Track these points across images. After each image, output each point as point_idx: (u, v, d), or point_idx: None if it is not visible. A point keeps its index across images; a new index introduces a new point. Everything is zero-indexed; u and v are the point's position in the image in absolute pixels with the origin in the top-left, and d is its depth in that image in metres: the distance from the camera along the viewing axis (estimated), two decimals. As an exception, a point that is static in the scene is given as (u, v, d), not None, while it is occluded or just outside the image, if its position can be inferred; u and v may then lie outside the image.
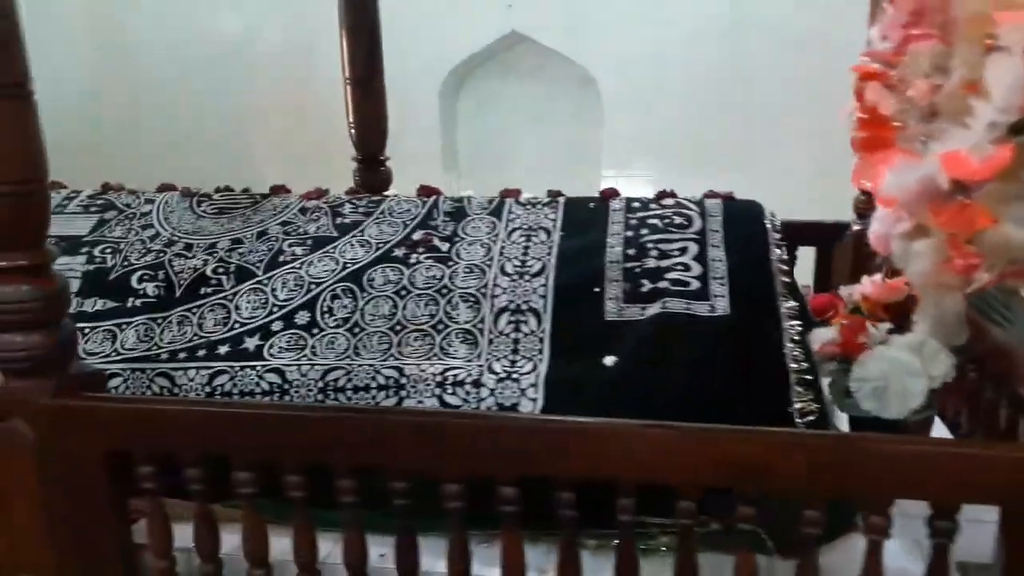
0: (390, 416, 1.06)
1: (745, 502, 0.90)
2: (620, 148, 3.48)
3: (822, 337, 1.32)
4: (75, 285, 1.41)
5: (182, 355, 1.33)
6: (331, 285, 1.38)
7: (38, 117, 1.01)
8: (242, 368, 1.30)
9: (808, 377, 1.20)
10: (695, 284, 1.29)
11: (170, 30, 3.49)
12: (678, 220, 1.40)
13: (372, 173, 2.11)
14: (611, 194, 1.50)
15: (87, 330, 1.35)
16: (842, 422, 1.31)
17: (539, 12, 3.39)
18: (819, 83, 3.08)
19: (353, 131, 2.08)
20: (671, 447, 0.89)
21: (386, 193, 1.59)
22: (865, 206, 1.98)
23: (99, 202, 1.62)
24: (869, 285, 1.68)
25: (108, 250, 1.50)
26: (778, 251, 1.37)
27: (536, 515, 1.01)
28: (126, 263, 1.47)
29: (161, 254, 1.48)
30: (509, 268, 1.38)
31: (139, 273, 1.44)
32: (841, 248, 2.01)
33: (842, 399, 1.28)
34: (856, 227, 1.99)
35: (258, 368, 1.30)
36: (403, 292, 1.36)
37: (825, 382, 1.29)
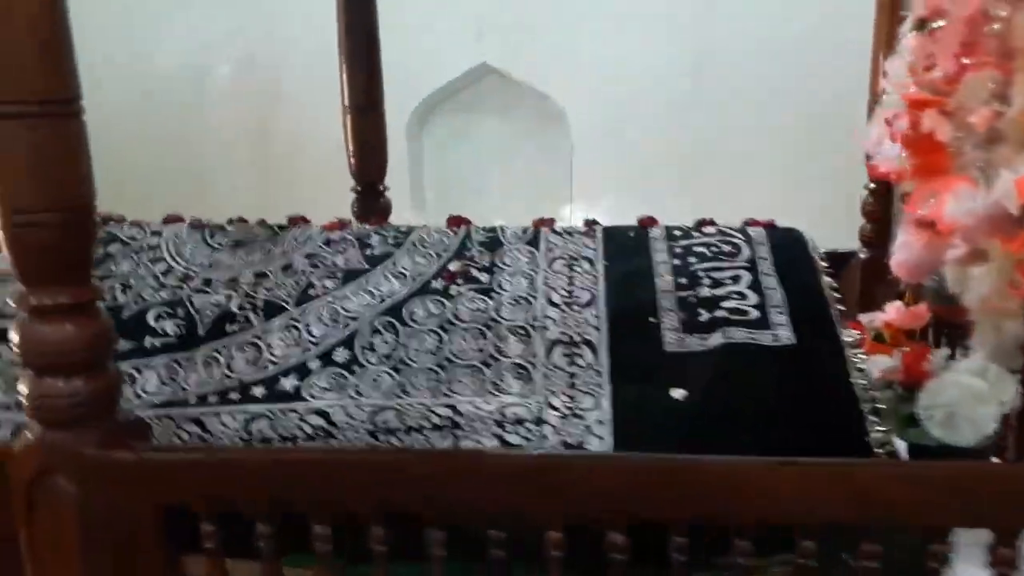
0: (492, 458, 0.98)
1: (871, 539, 0.86)
2: (590, 181, 3.47)
3: (881, 365, 1.31)
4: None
5: (213, 399, 1.23)
6: (370, 320, 1.31)
7: (87, 137, 0.93)
8: (282, 411, 1.21)
9: (879, 406, 1.18)
10: (754, 313, 1.26)
11: (125, 55, 3.36)
12: (726, 248, 1.37)
13: (371, 202, 2.04)
14: (649, 222, 1.47)
15: (103, 373, 1.25)
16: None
17: (509, 45, 3.37)
18: (788, 115, 3.16)
19: (352, 160, 2.02)
20: (800, 484, 0.84)
21: (413, 224, 1.52)
22: (871, 235, 2.00)
23: (100, 235, 1.51)
24: (892, 312, 1.68)
25: (117, 286, 1.39)
26: (827, 279, 1.35)
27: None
28: (139, 300, 1.37)
29: (178, 290, 1.38)
30: (556, 299, 1.33)
31: (156, 311, 1.34)
32: (847, 277, 2.02)
33: (903, 427, 1.27)
34: (862, 255, 2.01)
35: (300, 411, 1.21)
36: (447, 326, 1.30)
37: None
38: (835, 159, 3.09)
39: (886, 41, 1.87)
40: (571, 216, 3.54)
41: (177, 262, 1.44)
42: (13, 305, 1.09)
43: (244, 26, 3.37)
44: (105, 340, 0.97)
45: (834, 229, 2.02)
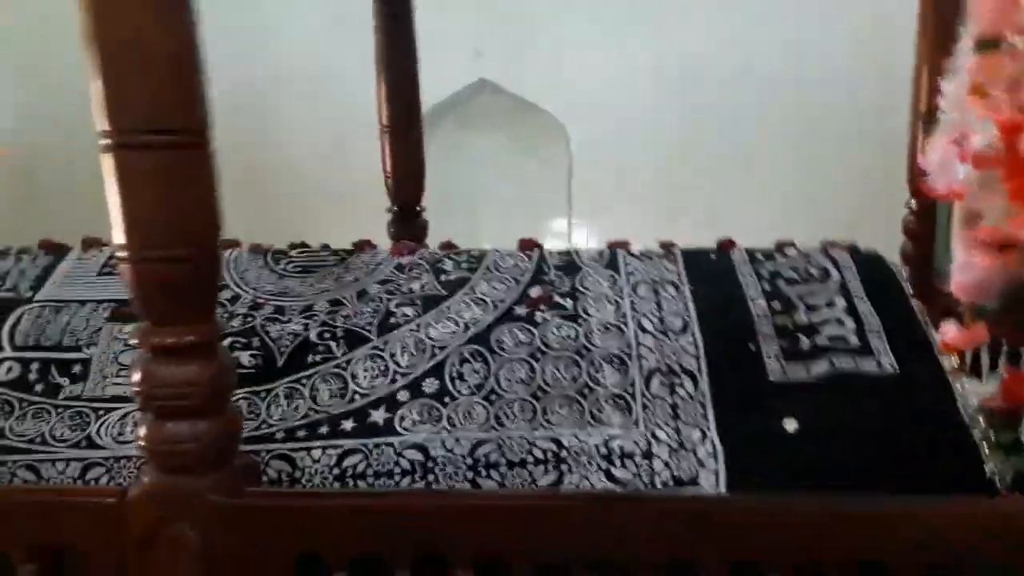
0: (661, 503, 0.95)
1: None
2: (589, 195, 3.46)
3: (979, 391, 1.30)
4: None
5: (301, 433, 1.18)
6: (457, 348, 1.26)
7: (216, 169, 0.88)
8: (376, 446, 1.16)
9: (990, 434, 1.17)
10: (855, 340, 1.24)
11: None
12: (815, 272, 1.36)
13: (408, 223, 2.00)
14: (729, 244, 1.45)
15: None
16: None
17: (507, 61, 3.35)
18: (790, 129, 3.18)
19: (389, 180, 1.97)
20: (963, 524, 0.83)
21: (486, 247, 1.47)
22: (912, 254, 2.01)
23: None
24: (950, 332, 1.68)
25: (183, 315, 1.32)
26: (916, 303, 1.34)
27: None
28: (209, 329, 1.30)
29: (249, 319, 1.32)
30: (648, 325, 1.30)
31: (228, 341, 1.28)
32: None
33: (1006, 455, 1.25)
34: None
35: (395, 445, 1.16)
36: (538, 354, 1.26)
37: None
38: (840, 172, 3.14)
39: (929, 60, 1.88)
40: (570, 229, 3.54)
41: (243, 289, 1.38)
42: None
43: (235, 49, 3.29)
44: (227, 379, 0.92)
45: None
